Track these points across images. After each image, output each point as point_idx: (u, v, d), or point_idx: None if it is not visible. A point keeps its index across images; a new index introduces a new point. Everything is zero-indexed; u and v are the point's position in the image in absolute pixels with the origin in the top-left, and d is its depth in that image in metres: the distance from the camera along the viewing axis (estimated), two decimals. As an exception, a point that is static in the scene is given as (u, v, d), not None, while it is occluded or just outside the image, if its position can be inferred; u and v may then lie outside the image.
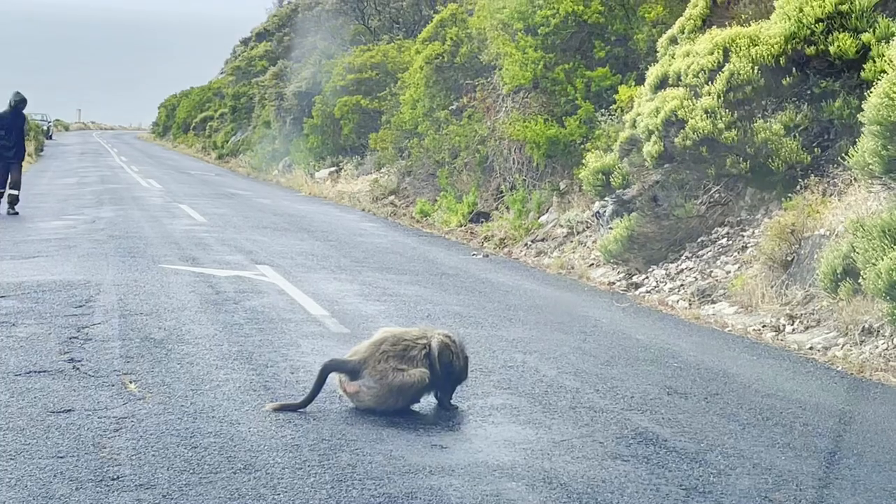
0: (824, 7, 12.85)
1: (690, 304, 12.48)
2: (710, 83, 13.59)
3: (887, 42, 11.97)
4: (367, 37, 40.69)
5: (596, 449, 6.45)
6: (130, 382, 7.51)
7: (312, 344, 9.14)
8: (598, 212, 16.33)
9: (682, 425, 7.13)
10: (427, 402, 7.17)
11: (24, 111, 21.38)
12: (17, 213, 20.34)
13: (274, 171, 40.54)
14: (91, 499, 5.18)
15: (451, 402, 7.25)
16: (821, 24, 12.87)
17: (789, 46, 13.15)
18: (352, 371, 6.97)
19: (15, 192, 20.67)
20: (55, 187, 29.13)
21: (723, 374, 8.94)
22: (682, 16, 16.18)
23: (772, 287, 11.68)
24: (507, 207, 20.27)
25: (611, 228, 15.05)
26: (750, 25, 14.15)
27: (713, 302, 12.38)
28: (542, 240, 17.84)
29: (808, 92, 13.41)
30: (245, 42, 64.44)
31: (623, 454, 6.37)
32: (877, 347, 9.69)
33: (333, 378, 7.04)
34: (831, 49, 12.72)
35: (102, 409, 6.77)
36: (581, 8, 19.57)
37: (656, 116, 13.94)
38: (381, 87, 33.60)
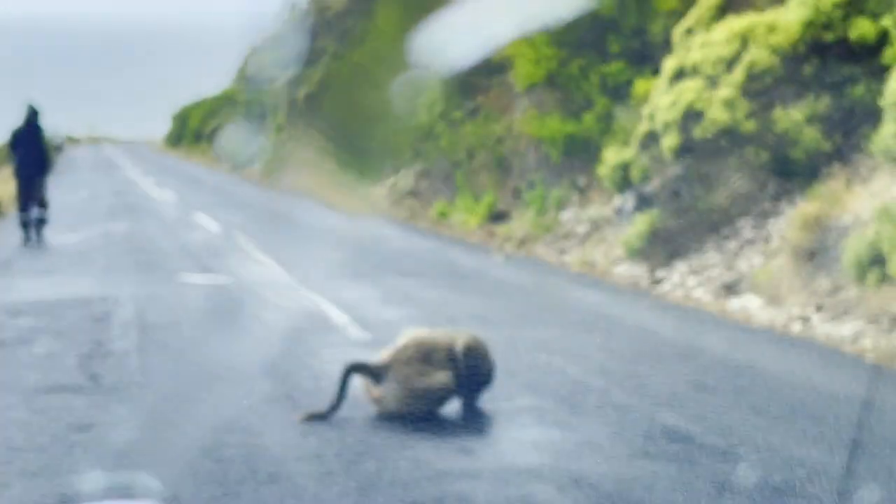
0: (841, -9, 12.71)
1: (716, 298, 12.35)
2: (728, 73, 13.46)
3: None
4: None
5: (624, 448, 6.36)
6: (152, 396, 7.45)
7: (334, 351, 9.05)
8: (618, 207, 16.20)
9: (711, 421, 7.02)
10: (451, 408, 7.07)
11: (40, 123, 20.63)
12: (40, 237, 18.43)
13: (288, 178, 40.56)
14: (114, 516, 5.12)
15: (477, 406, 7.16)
16: (839, 9, 12.72)
17: (808, 33, 13.00)
18: (375, 374, 6.88)
19: (42, 214, 18.72)
20: (69, 201, 29.12)
21: (750, 368, 8.82)
22: (697, 5, 16.02)
23: (798, 278, 11.54)
24: (527, 206, 20.16)
25: (632, 224, 14.93)
26: (766, 12, 14.00)
27: (739, 295, 12.24)
28: (564, 237, 17.73)
29: (829, 79, 13.26)
30: (256, 49, 64.46)
31: (652, 452, 6.27)
32: (906, 335, 9.55)
33: (359, 386, 6.95)
34: (851, 35, 12.56)
35: (124, 424, 6.71)
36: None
37: (674, 108, 13.82)
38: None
